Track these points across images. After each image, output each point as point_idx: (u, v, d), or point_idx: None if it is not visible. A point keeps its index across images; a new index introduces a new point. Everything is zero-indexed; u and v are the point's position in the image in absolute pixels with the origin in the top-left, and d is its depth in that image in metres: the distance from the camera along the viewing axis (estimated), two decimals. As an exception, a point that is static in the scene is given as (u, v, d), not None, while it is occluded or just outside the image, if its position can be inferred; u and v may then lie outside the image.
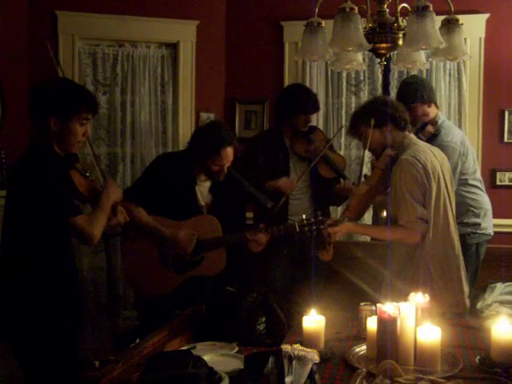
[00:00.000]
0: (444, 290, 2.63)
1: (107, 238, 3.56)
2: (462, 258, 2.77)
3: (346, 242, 4.38)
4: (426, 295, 2.15)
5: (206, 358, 1.89)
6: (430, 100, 3.64)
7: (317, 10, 2.81)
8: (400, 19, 2.91)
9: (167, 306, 3.20)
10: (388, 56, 3.12)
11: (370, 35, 2.87)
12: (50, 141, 2.38)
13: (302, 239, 3.57)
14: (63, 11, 4.47)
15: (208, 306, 2.49)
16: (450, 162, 3.41)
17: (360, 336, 2.26)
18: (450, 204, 2.75)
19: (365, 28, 2.86)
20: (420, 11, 2.65)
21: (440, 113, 3.76)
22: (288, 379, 1.67)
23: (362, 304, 2.35)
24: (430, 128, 3.56)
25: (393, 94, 4.41)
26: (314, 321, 2.11)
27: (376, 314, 2.00)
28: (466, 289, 2.77)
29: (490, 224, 3.67)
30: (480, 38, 4.38)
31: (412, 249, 2.67)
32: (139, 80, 4.65)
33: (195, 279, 3.17)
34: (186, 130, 4.60)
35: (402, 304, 1.99)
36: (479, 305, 3.87)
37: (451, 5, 2.81)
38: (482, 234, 3.62)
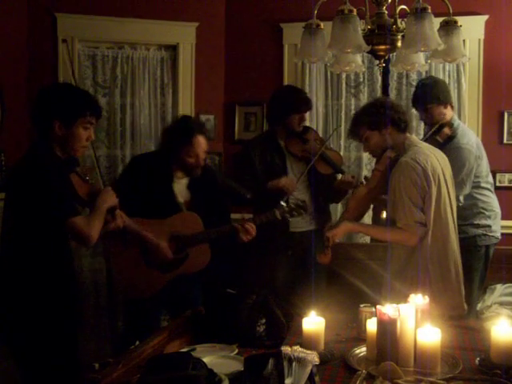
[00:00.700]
0: (443, 293, 2.63)
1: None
2: (460, 261, 2.77)
3: (346, 243, 4.38)
4: (426, 297, 2.15)
5: (205, 359, 1.89)
6: (447, 101, 3.63)
7: (316, 11, 2.81)
8: (399, 21, 2.91)
9: (154, 308, 3.20)
10: (387, 58, 3.12)
11: (369, 37, 2.87)
12: (51, 144, 2.39)
13: (304, 241, 3.58)
14: (62, 13, 4.47)
15: (208, 307, 2.49)
16: (467, 165, 3.42)
17: (360, 338, 2.26)
18: (451, 207, 2.74)
19: (363, 30, 2.86)
20: (419, 13, 2.65)
21: (455, 116, 3.75)
22: (288, 381, 1.67)
23: (361, 306, 2.35)
24: (446, 130, 3.54)
25: (392, 95, 4.43)
26: (313, 322, 2.11)
27: (376, 316, 2.00)
28: (464, 292, 2.77)
29: (498, 227, 3.67)
30: (479, 40, 4.38)
31: (411, 250, 2.67)
32: (139, 82, 4.65)
33: (182, 280, 3.15)
34: (185, 131, 4.59)
35: (401, 305, 1.99)
36: (479, 306, 3.87)
37: (450, 6, 2.81)
38: (492, 236, 3.62)
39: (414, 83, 4.35)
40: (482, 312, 3.84)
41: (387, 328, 1.93)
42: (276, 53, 4.72)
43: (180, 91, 4.69)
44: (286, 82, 4.67)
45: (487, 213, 3.62)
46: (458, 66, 4.39)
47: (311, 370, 1.72)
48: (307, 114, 3.81)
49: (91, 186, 2.53)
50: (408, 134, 2.79)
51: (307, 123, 3.94)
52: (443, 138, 3.52)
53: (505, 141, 4.39)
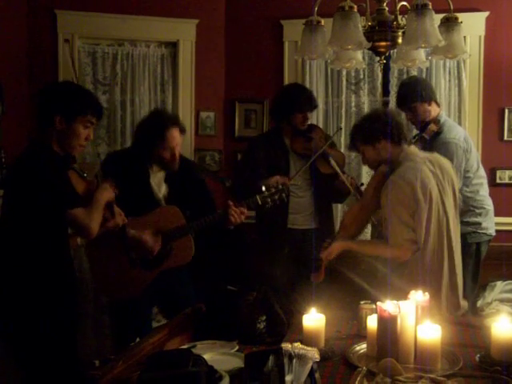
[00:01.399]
0: (439, 292, 2.63)
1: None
2: (458, 262, 2.76)
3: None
4: (426, 293, 2.15)
5: (206, 356, 1.89)
6: (430, 98, 3.64)
7: (316, 8, 2.81)
8: (399, 17, 2.91)
9: (144, 306, 3.18)
10: (387, 54, 3.11)
11: (370, 33, 2.86)
12: (51, 140, 2.40)
13: (304, 238, 3.57)
14: (62, 10, 4.47)
15: (208, 304, 2.49)
16: (455, 159, 3.42)
17: (360, 334, 2.26)
18: (447, 224, 2.69)
19: (364, 26, 2.86)
20: (419, 9, 2.65)
21: (442, 112, 3.76)
22: (288, 378, 1.67)
23: (362, 302, 2.35)
24: (432, 126, 3.56)
25: (393, 92, 4.42)
26: (314, 319, 2.11)
27: (376, 313, 2.00)
28: (461, 291, 2.76)
29: (491, 224, 3.67)
30: (480, 36, 4.38)
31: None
32: (139, 79, 4.65)
33: (172, 276, 3.14)
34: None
35: (402, 302, 1.99)
36: (479, 303, 3.87)
37: (450, 3, 2.80)
38: (483, 233, 3.62)
39: (415, 80, 4.34)
40: (483, 309, 3.84)
41: (387, 325, 1.93)
42: (276, 50, 4.71)
43: (180, 88, 4.69)
44: (286, 79, 4.67)
45: (477, 210, 3.62)
46: (458, 62, 4.38)
47: (312, 367, 1.72)
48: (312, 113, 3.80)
49: (89, 182, 2.53)
50: (405, 146, 2.73)
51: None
52: (429, 135, 3.53)
53: (505, 137, 4.39)
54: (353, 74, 4.61)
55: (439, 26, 2.76)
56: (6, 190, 2.43)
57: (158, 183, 3.17)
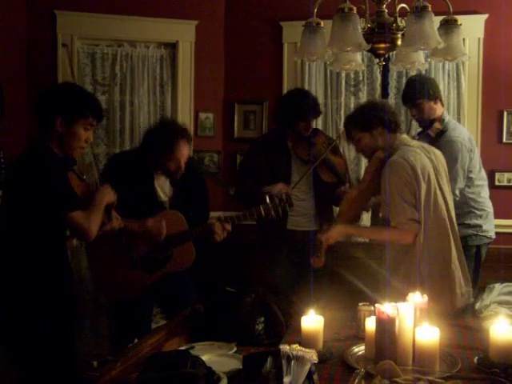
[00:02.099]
0: (433, 289, 2.62)
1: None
2: (455, 259, 2.76)
3: (345, 242, 4.39)
4: (425, 295, 2.15)
5: (204, 357, 1.89)
6: (436, 97, 3.64)
7: (316, 10, 2.81)
8: (399, 19, 2.91)
9: (143, 307, 3.18)
10: (387, 56, 3.12)
11: (369, 35, 2.87)
12: (50, 141, 2.40)
13: (305, 240, 3.57)
14: (62, 11, 4.47)
15: (207, 305, 2.49)
16: (460, 157, 3.43)
17: (358, 336, 2.26)
18: (446, 204, 2.73)
19: (363, 28, 2.86)
20: (419, 11, 2.65)
21: (445, 111, 3.77)
22: (286, 379, 1.67)
23: (360, 304, 2.35)
24: (437, 124, 3.56)
25: (392, 94, 4.43)
26: (312, 321, 2.11)
27: (374, 315, 2.00)
28: (462, 288, 2.76)
29: (491, 227, 3.67)
30: (479, 39, 4.38)
31: (404, 248, 2.67)
32: (138, 80, 4.65)
33: (172, 277, 3.14)
34: (184, 130, 4.59)
35: (400, 304, 1.99)
36: (478, 305, 3.87)
37: (450, 5, 2.81)
38: (484, 236, 3.62)
39: (414, 82, 4.35)
40: (481, 311, 3.84)
41: (386, 327, 1.93)
42: (276, 51, 4.72)
43: (179, 89, 4.69)
44: (285, 81, 4.67)
45: (478, 212, 3.62)
46: (457, 64, 4.39)
47: (310, 369, 1.72)
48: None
49: (88, 185, 2.53)
50: (399, 134, 2.79)
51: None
52: (434, 132, 3.53)
53: (504, 140, 4.39)
54: (352, 76, 4.61)
55: (438, 29, 2.76)
56: (6, 190, 2.42)
57: (163, 185, 3.18)
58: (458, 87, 4.44)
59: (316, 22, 2.79)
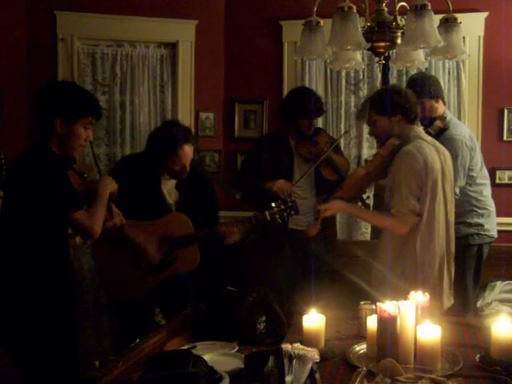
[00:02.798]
0: (422, 286, 2.62)
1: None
2: (450, 261, 2.77)
3: (347, 240, 4.39)
4: (426, 294, 2.15)
5: (206, 357, 1.89)
6: (438, 95, 3.64)
7: (315, 9, 2.81)
8: (398, 18, 2.91)
9: (146, 307, 3.19)
10: (387, 55, 3.12)
11: (369, 34, 2.87)
12: (50, 141, 2.39)
13: (306, 239, 3.57)
14: (62, 11, 4.46)
15: (208, 305, 2.49)
16: (460, 156, 3.43)
17: (360, 335, 2.26)
18: (445, 207, 2.73)
19: (363, 27, 2.86)
20: (418, 10, 2.65)
21: (447, 110, 3.77)
22: (288, 378, 1.67)
23: (362, 303, 2.35)
24: (438, 123, 3.56)
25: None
26: (314, 320, 2.11)
27: (376, 313, 2.00)
28: (447, 291, 2.76)
29: (493, 226, 3.66)
30: (479, 37, 4.38)
31: (402, 243, 2.67)
32: (138, 80, 4.64)
33: (174, 278, 3.14)
34: (185, 129, 4.59)
35: (401, 302, 1.99)
36: (479, 303, 3.87)
37: (450, 3, 2.81)
38: (485, 235, 3.61)
39: (414, 80, 4.34)
40: (482, 309, 3.84)
41: (387, 325, 1.93)
42: (276, 50, 4.71)
43: (179, 89, 4.68)
44: (285, 80, 4.67)
45: (480, 211, 3.61)
46: (457, 63, 4.38)
47: (311, 368, 1.72)
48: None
49: (89, 183, 2.53)
50: (415, 126, 2.79)
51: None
52: (435, 130, 3.53)
53: (505, 138, 4.39)
54: (352, 75, 4.61)
55: (438, 27, 2.76)
56: (7, 191, 2.42)
57: (170, 189, 3.20)
58: (459, 85, 4.44)
59: (316, 20, 2.79)
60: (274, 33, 4.71)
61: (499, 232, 3.79)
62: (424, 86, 3.56)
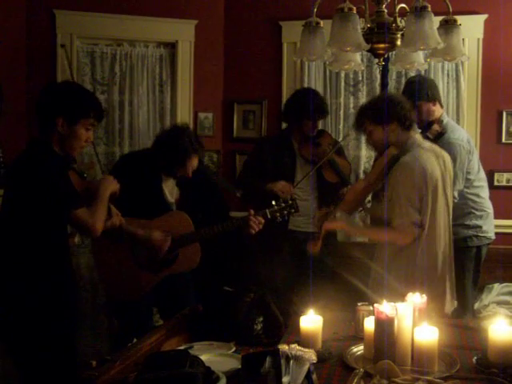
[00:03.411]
0: (426, 294, 2.62)
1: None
2: (451, 265, 2.77)
3: (344, 242, 4.38)
4: (424, 295, 2.15)
5: (203, 357, 1.89)
6: (435, 98, 3.64)
7: (315, 10, 2.80)
8: (398, 19, 2.91)
9: (145, 306, 3.18)
10: (386, 56, 3.11)
11: (369, 35, 2.86)
12: (51, 140, 2.40)
13: (306, 241, 3.57)
14: (61, 10, 4.46)
15: (205, 305, 2.49)
16: (458, 160, 3.43)
17: (357, 336, 2.26)
18: (448, 211, 2.73)
19: (363, 28, 2.86)
20: (418, 12, 2.65)
21: (444, 113, 3.77)
22: (285, 379, 1.67)
23: (359, 304, 2.35)
24: (436, 126, 3.56)
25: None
26: (311, 321, 2.11)
27: (373, 315, 2.00)
28: (449, 296, 2.76)
29: (491, 227, 3.67)
30: (478, 39, 4.38)
31: (400, 248, 2.67)
32: (137, 79, 4.64)
33: (173, 277, 3.14)
34: (184, 129, 4.59)
35: (399, 304, 1.99)
36: (477, 305, 3.88)
37: (449, 5, 2.81)
38: (483, 237, 3.62)
39: (413, 82, 4.34)
40: (480, 311, 3.84)
41: (385, 327, 1.93)
42: (275, 51, 4.71)
43: (179, 89, 4.68)
44: (284, 80, 4.67)
45: (478, 213, 3.62)
46: (456, 65, 4.39)
47: (309, 369, 1.73)
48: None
49: (89, 183, 2.53)
50: (412, 133, 2.77)
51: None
52: (433, 134, 3.53)
53: (503, 140, 4.39)
54: (351, 76, 4.61)
55: (438, 29, 2.76)
56: (7, 189, 2.42)
57: (170, 187, 3.19)
58: (458, 87, 4.44)
59: (315, 21, 2.78)
60: (274, 33, 4.71)
61: (497, 234, 3.80)
62: (421, 89, 3.56)
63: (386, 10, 2.92)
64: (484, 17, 4.36)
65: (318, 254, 2.84)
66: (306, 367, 1.72)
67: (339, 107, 4.64)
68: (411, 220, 2.60)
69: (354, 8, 2.69)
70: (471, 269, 3.56)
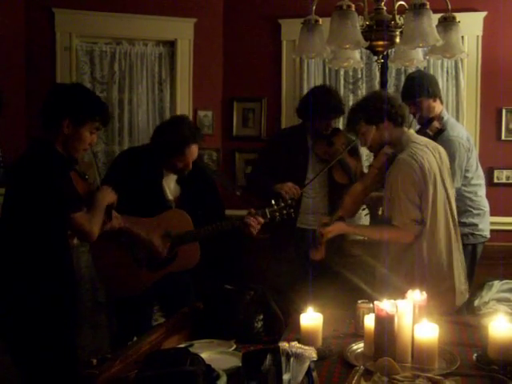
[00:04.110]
0: (435, 289, 2.62)
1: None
2: (457, 260, 2.77)
3: (344, 239, 4.38)
4: (424, 293, 2.15)
5: (203, 355, 1.89)
6: (435, 95, 3.64)
7: (314, 7, 2.81)
8: (397, 17, 2.91)
9: (145, 304, 3.19)
10: (385, 54, 3.11)
11: (367, 33, 2.86)
12: (55, 141, 2.40)
13: (307, 237, 3.57)
14: (60, 8, 4.45)
15: (206, 303, 2.49)
16: (457, 157, 3.43)
17: (358, 333, 2.27)
18: (450, 205, 2.73)
19: (362, 26, 2.86)
20: (417, 9, 2.65)
21: (444, 110, 3.76)
22: (286, 376, 1.67)
23: (359, 302, 2.35)
24: (436, 123, 3.55)
25: (390, 91, 4.41)
26: (311, 318, 2.11)
27: (373, 312, 2.00)
28: (462, 287, 2.76)
29: (486, 226, 3.67)
30: (477, 36, 4.37)
31: (404, 247, 2.67)
32: (137, 78, 4.63)
33: (172, 276, 3.14)
34: (183, 127, 4.58)
35: (399, 301, 1.99)
36: (476, 302, 3.88)
37: (448, 2, 2.81)
38: (479, 235, 3.62)
39: (412, 79, 4.34)
40: (480, 308, 3.84)
41: (385, 324, 1.94)
42: (274, 49, 4.71)
43: (178, 87, 4.68)
44: (284, 78, 4.66)
45: (474, 211, 3.62)
46: (456, 62, 4.38)
47: (309, 366, 1.73)
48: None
49: (90, 184, 2.54)
50: (405, 129, 2.77)
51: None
52: (433, 131, 3.52)
53: (503, 137, 4.38)
54: (351, 74, 4.60)
55: (437, 26, 2.76)
56: (8, 189, 2.42)
57: (171, 184, 3.18)
58: (457, 85, 4.43)
59: (314, 19, 2.79)
60: (273, 31, 4.70)
61: (496, 231, 3.81)
62: (422, 85, 3.56)
63: (384, 8, 2.92)
64: (483, 14, 4.35)
65: (321, 260, 2.84)
66: (306, 365, 1.72)
67: (339, 105, 4.62)
68: (411, 217, 2.60)
69: (353, 5, 2.69)
70: (466, 266, 3.56)
